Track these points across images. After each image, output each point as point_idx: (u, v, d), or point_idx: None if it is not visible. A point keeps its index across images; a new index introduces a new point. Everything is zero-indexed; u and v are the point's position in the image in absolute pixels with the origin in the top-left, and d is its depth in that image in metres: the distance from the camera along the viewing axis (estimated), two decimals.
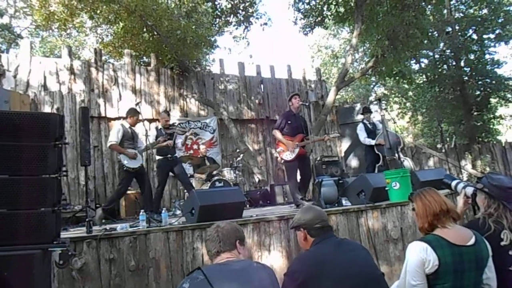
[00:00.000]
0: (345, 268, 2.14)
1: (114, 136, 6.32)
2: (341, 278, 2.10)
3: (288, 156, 6.07)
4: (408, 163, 7.28)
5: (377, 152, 7.63)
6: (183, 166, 7.40)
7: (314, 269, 2.15)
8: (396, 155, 7.11)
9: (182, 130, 7.36)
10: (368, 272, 2.21)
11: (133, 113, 6.54)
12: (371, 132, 7.94)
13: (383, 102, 8.39)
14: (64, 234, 3.99)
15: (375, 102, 10.30)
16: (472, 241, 2.21)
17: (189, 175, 8.62)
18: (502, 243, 2.29)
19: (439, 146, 14.25)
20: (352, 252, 2.29)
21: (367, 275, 2.18)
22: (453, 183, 2.85)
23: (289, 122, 6.22)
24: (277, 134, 6.24)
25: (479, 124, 15.86)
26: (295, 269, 2.23)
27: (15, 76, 8.62)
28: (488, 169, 13.20)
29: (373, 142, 7.73)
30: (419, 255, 2.17)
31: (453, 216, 2.31)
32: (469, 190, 2.67)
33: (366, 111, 8.34)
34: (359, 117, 11.38)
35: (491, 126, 17.06)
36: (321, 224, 2.37)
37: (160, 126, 7.18)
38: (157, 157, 7.03)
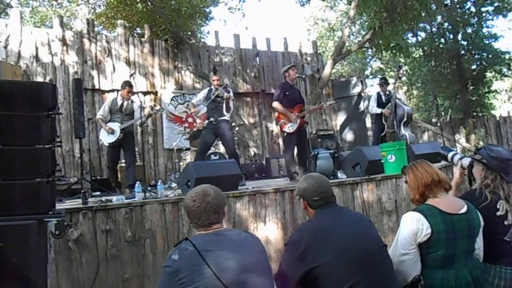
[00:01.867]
0: (347, 239, 2.12)
1: (101, 110, 6.51)
2: (343, 250, 2.08)
3: (290, 128, 6.03)
4: (407, 137, 7.22)
5: (383, 122, 7.53)
6: (230, 131, 6.62)
7: (315, 239, 2.12)
8: (397, 128, 7.08)
9: (223, 91, 6.37)
10: (370, 243, 2.20)
11: (124, 85, 6.47)
12: (384, 104, 7.71)
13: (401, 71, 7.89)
14: (59, 206, 3.99)
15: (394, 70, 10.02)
16: (464, 209, 2.25)
17: (184, 148, 8.63)
18: (498, 213, 2.31)
19: (434, 120, 14.29)
20: (355, 223, 2.27)
21: (369, 247, 2.16)
22: (450, 155, 2.86)
23: (287, 93, 6.15)
24: (278, 105, 6.14)
25: (474, 98, 15.83)
26: (296, 238, 2.22)
27: (5, 47, 8.43)
28: (481, 143, 13.29)
29: (378, 110, 7.60)
30: (411, 225, 2.21)
31: (445, 186, 2.35)
32: (466, 162, 2.68)
33: (384, 82, 8.05)
34: (355, 90, 11.33)
35: (486, 101, 17.06)
36: (320, 196, 2.32)
37: (213, 87, 6.53)
38: (206, 122, 6.52)
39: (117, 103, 6.41)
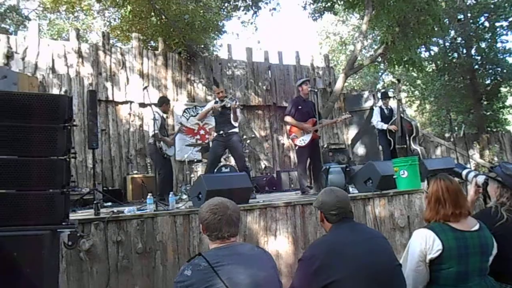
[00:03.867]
0: (362, 256, 2.10)
1: (157, 126, 6.53)
2: (358, 266, 2.06)
3: (302, 141, 6.02)
4: (418, 152, 7.14)
5: (389, 137, 7.47)
6: (240, 144, 6.64)
7: (330, 255, 2.10)
8: (407, 143, 7.00)
9: (229, 101, 6.34)
10: (385, 262, 2.17)
11: (167, 101, 7.14)
12: (387, 117, 7.69)
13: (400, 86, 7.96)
14: (72, 216, 4.01)
15: (393, 84, 9.98)
16: (476, 227, 2.22)
17: (196, 160, 8.65)
18: None
19: (447, 135, 14.14)
20: (371, 240, 2.25)
21: (383, 266, 2.14)
22: (464, 172, 2.83)
23: (299, 107, 6.19)
24: (290, 119, 6.16)
25: (488, 113, 15.68)
26: (311, 254, 2.20)
27: (23, 58, 8.61)
28: (496, 159, 13.10)
29: (385, 126, 7.54)
30: (421, 243, 2.18)
31: None
32: (480, 179, 2.65)
33: (385, 96, 8.07)
34: (367, 104, 11.29)
35: (501, 116, 16.88)
36: (338, 211, 2.30)
37: (217, 100, 6.56)
38: (214, 134, 6.59)
39: (163, 119, 7.00)
